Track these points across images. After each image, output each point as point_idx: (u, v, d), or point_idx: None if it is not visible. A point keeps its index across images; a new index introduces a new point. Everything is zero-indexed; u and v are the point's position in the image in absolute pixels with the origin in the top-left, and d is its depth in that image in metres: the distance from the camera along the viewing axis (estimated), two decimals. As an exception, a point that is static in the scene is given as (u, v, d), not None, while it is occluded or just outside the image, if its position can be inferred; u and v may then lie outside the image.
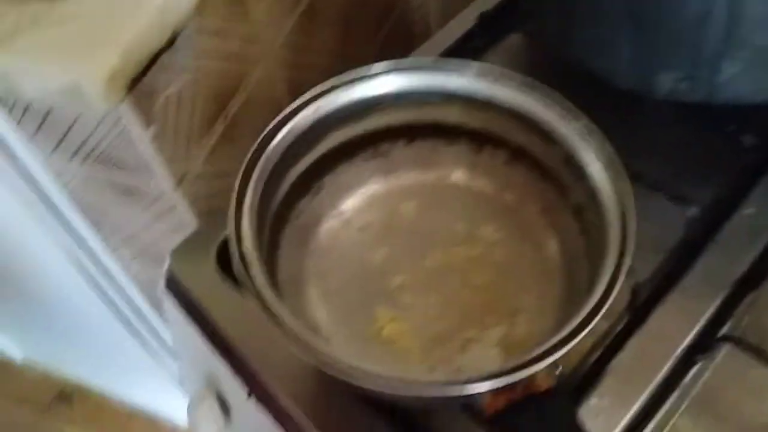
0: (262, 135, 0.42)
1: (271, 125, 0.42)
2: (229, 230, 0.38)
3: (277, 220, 0.44)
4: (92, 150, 0.60)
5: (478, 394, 0.34)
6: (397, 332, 0.44)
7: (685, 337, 0.45)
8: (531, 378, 0.34)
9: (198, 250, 0.54)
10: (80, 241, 0.80)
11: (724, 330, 0.46)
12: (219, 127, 0.66)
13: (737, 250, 0.48)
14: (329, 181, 0.48)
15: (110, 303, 0.93)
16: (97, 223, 0.77)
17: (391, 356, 0.43)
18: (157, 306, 0.92)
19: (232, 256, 0.38)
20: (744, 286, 0.47)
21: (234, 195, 0.40)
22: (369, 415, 0.44)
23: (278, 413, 0.47)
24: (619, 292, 0.45)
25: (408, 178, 0.50)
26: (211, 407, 0.51)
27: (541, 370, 0.34)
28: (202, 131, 0.63)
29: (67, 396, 1.48)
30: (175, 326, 0.56)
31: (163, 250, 0.76)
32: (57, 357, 1.34)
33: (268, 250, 0.43)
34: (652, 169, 0.50)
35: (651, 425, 0.43)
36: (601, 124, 0.42)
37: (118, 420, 1.43)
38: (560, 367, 0.41)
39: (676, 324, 0.46)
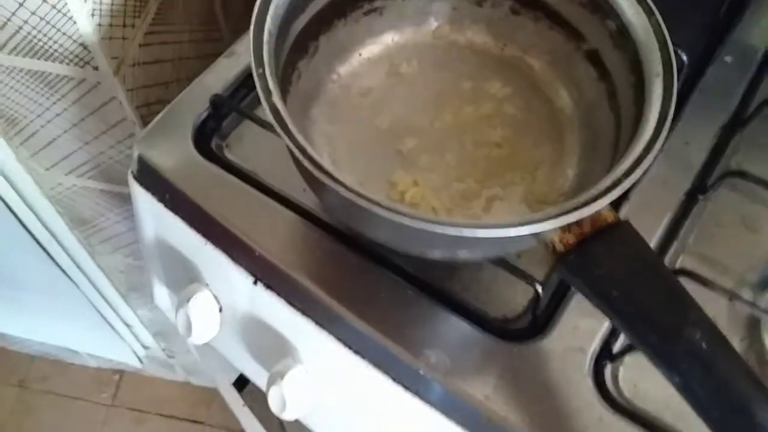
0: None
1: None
2: (256, 82, 0.34)
3: (282, 81, 0.40)
4: (14, 33, 0.52)
5: (547, 232, 0.33)
6: (419, 195, 0.42)
7: (686, 180, 0.47)
8: (597, 213, 0.33)
9: (168, 136, 0.48)
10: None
11: (718, 169, 0.48)
12: (152, 5, 0.58)
13: (722, 96, 0.50)
14: (324, 41, 0.44)
15: (19, 225, 0.83)
16: (5, 131, 0.67)
17: (419, 218, 0.41)
18: (73, 224, 0.84)
19: (267, 110, 0.33)
20: (731, 129, 0.49)
21: (251, 42, 0.35)
22: (394, 281, 0.42)
23: (293, 296, 0.44)
24: None
25: (405, 36, 0.47)
26: (206, 301, 0.47)
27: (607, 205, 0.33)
28: (136, 8, 0.56)
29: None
30: (147, 222, 0.51)
31: (88, 155, 0.69)
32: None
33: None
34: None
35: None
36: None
37: (18, 365, 1.33)
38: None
39: (674, 167, 0.47)
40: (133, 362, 1.24)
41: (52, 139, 0.68)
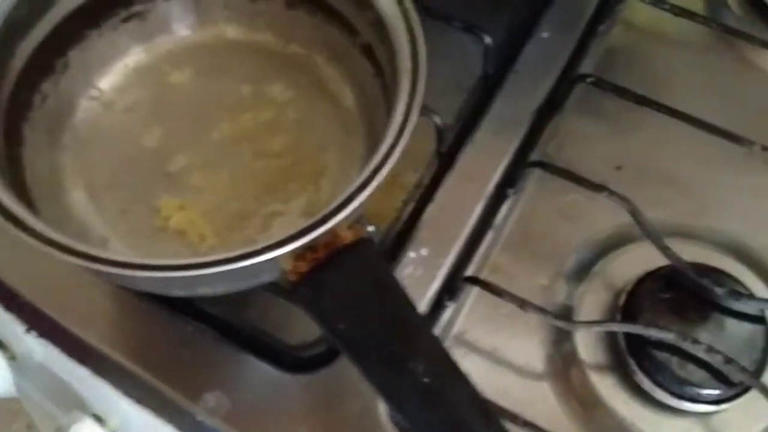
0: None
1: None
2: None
3: (13, 107, 0.35)
4: None
5: (280, 260, 0.29)
6: (186, 220, 0.38)
7: (494, 173, 0.43)
8: (334, 234, 0.30)
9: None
10: None
11: (532, 158, 0.45)
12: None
13: (537, 76, 0.46)
14: (76, 55, 0.39)
15: None
16: None
17: (184, 248, 0.37)
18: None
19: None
20: (546, 112, 0.46)
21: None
22: (173, 318, 0.39)
23: (66, 343, 0.40)
24: (424, 139, 0.42)
25: (174, 41, 0.42)
26: (-13, 351, 0.43)
27: (342, 224, 0.30)
28: None
29: None
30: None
31: None
32: None
33: (6, 146, 0.34)
34: (443, 1, 0.47)
35: (472, 267, 0.41)
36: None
37: None
38: (372, 227, 0.38)
39: (483, 161, 0.43)
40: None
41: None
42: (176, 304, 0.39)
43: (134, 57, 0.42)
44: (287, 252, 0.28)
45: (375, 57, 0.38)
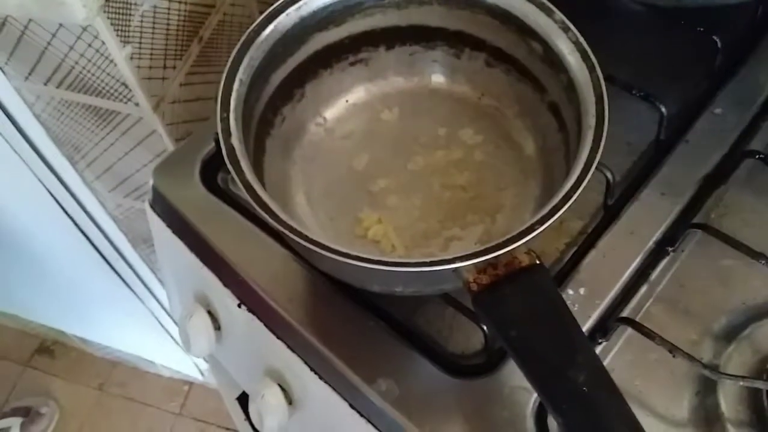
0: (248, 31, 0.42)
1: (256, 22, 0.43)
2: (218, 124, 0.39)
3: (262, 124, 0.45)
4: (68, 72, 0.60)
5: (463, 271, 0.35)
6: (381, 232, 0.45)
7: (655, 231, 0.47)
8: (513, 256, 0.35)
9: (181, 167, 0.54)
10: (56, 177, 0.79)
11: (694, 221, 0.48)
12: (194, 49, 0.65)
13: (706, 148, 0.50)
14: (311, 88, 0.49)
15: (88, 243, 0.93)
16: (71, 155, 0.76)
17: (377, 253, 0.44)
18: (135, 243, 0.92)
19: (222, 149, 0.38)
20: (712, 182, 0.49)
21: (220, 89, 0.40)
22: (359, 312, 0.46)
23: (269, 319, 0.48)
24: (594, 191, 0.47)
25: (388, 85, 0.51)
26: (202, 320, 0.52)
27: (521, 249, 0.35)
28: (177, 52, 0.63)
29: (47, 348, 1.48)
30: (161, 245, 0.57)
31: (141, 181, 0.77)
32: (35, 308, 1.33)
33: (255, 154, 0.44)
34: (626, 72, 0.51)
35: (626, 311, 0.45)
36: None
37: (101, 369, 1.44)
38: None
39: (647, 219, 0.47)
40: (195, 374, 1.32)
41: (111, 165, 0.76)
42: (363, 301, 0.46)
43: (355, 95, 0.51)
44: (474, 263, 0.34)
45: (560, 114, 0.44)
